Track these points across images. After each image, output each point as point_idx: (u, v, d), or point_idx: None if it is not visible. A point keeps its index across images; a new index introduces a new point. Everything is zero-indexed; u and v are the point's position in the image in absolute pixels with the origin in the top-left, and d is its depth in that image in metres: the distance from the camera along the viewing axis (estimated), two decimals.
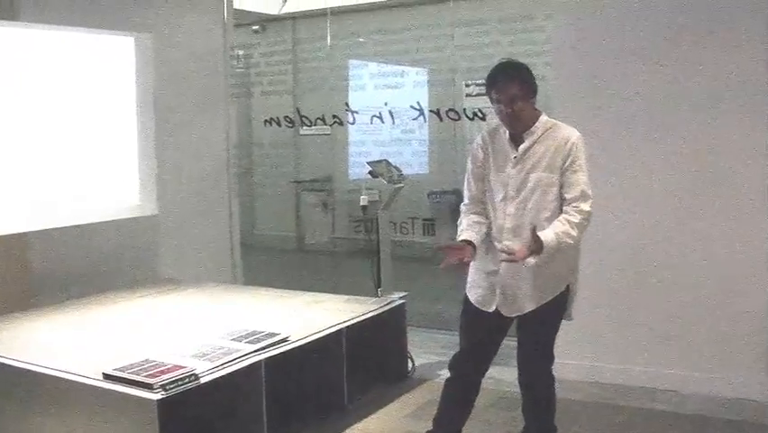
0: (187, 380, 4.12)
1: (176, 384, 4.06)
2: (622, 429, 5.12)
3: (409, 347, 6.12)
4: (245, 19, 8.72)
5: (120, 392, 4.10)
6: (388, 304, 5.91)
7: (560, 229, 3.86)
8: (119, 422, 4.13)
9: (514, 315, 4.10)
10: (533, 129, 3.99)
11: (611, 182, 5.66)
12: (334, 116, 8.08)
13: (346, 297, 6.19)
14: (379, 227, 6.33)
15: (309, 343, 5.01)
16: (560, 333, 5.77)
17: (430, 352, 6.48)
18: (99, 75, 6.60)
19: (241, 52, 8.76)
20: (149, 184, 6.94)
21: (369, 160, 6.67)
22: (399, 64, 8.23)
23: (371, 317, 5.69)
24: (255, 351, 4.62)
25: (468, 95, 7.83)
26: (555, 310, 4.12)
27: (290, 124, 8.46)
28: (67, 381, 4.35)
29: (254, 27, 9.43)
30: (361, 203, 6.71)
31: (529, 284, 4.02)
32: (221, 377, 4.31)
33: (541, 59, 6.83)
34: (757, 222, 5.39)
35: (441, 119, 7.68)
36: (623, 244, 5.71)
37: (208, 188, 7.79)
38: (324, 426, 5.15)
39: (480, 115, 7.36)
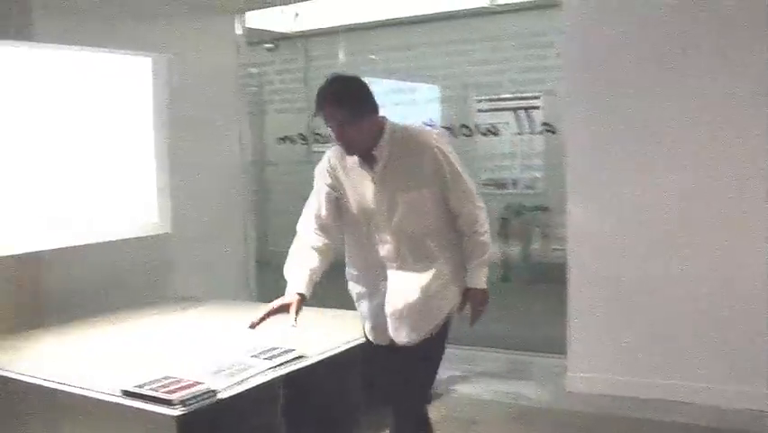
0: (205, 396, 4.15)
1: (195, 400, 4.09)
2: None
3: None
4: (258, 38, 8.76)
5: (139, 409, 4.13)
6: None
7: (480, 259, 3.67)
8: None
9: (401, 342, 3.68)
10: (380, 144, 3.54)
11: (624, 194, 5.69)
12: None
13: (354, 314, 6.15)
14: None
15: (326, 359, 5.03)
16: (577, 345, 5.81)
17: (444, 367, 6.46)
18: (116, 94, 6.67)
19: (254, 71, 8.79)
20: (164, 202, 6.99)
21: None
22: (412, 80, 8.26)
23: None
24: (272, 367, 4.65)
25: (480, 110, 7.85)
26: (439, 343, 3.76)
27: (304, 142, 8.49)
28: (86, 397, 4.37)
29: (267, 45, 9.49)
30: None
31: (413, 308, 3.63)
32: (239, 393, 4.33)
33: (552, 75, 6.87)
34: None
35: (454, 135, 7.70)
36: (638, 256, 5.72)
37: (223, 206, 7.85)
38: None
39: (492, 130, 7.39)
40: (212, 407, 4.15)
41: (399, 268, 3.64)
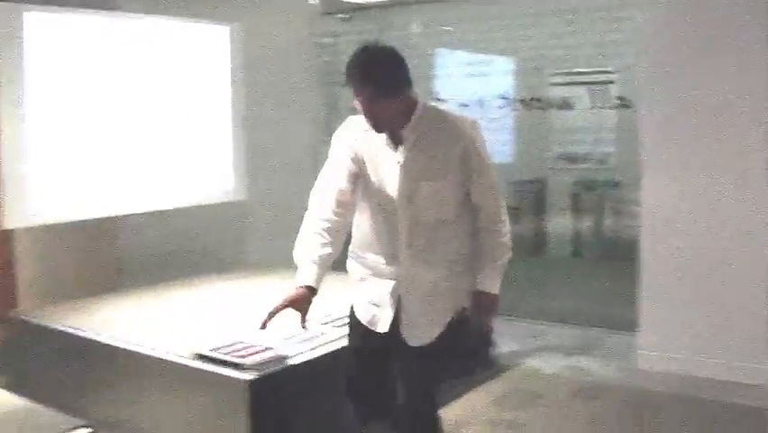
0: (277, 361, 4.23)
1: (266, 365, 4.17)
2: (703, 422, 5.05)
3: (493, 335, 6.11)
4: (333, 8, 8.78)
5: (211, 372, 4.22)
6: None
7: (497, 262, 3.39)
8: (211, 401, 4.25)
9: (414, 344, 3.39)
10: (410, 124, 3.26)
11: (700, 171, 5.62)
12: None
13: None
14: None
15: None
16: (648, 323, 5.76)
17: (513, 341, 6.49)
18: (195, 63, 6.77)
19: (328, 41, 8.82)
20: (240, 170, 7.08)
21: None
22: (486, 53, 8.23)
23: None
24: (343, 336, 4.69)
25: (553, 84, 7.80)
26: (442, 342, 3.40)
27: None
28: (160, 360, 4.49)
29: (342, 16, 9.50)
30: None
31: (425, 311, 3.38)
32: (309, 360, 4.40)
33: (630, 49, 6.79)
34: None
35: (527, 108, 7.66)
36: (712, 234, 5.65)
37: (297, 176, 7.90)
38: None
39: (566, 104, 7.34)
40: (283, 372, 4.22)
41: (410, 257, 3.35)
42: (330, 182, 3.47)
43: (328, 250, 3.40)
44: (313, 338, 4.58)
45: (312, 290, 3.35)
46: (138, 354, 4.62)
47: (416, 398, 3.46)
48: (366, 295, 3.52)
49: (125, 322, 5.28)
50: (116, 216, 6.43)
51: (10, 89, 5.70)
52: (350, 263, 3.63)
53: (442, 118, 3.31)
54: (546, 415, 5.12)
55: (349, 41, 8.97)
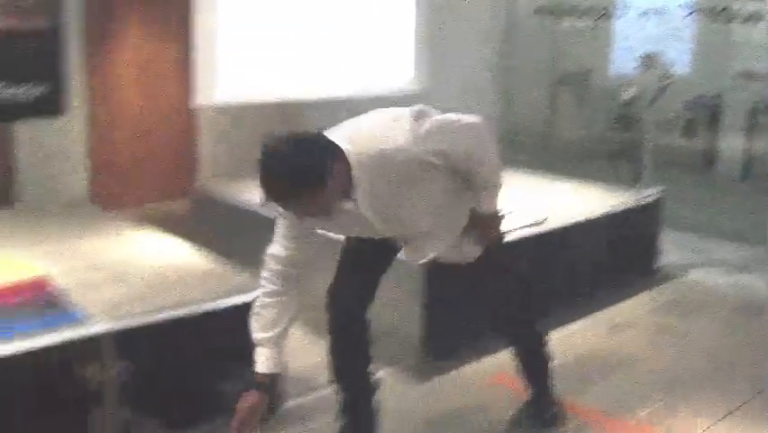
0: None
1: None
2: None
3: (659, 245, 6.10)
4: None
5: None
6: (645, 198, 5.90)
7: (489, 188, 3.23)
8: (387, 284, 4.40)
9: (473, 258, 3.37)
10: (354, 182, 2.84)
11: None
12: (603, 9, 8.00)
13: (603, 187, 6.17)
14: (643, 123, 6.29)
15: (564, 228, 5.16)
16: None
17: (678, 252, 6.45)
18: None
19: None
20: (421, 65, 7.21)
21: (638, 54, 6.58)
22: None
23: (628, 208, 5.73)
24: (510, 230, 4.79)
25: None
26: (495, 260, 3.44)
27: (551, 15, 8.42)
28: (332, 240, 4.67)
29: None
30: (624, 97, 6.65)
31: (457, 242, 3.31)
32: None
33: None
34: None
35: (712, 20, 7.45)
36: None
37: (473, 74, 7.97)
38: (569, 312, 5.13)
39: (754, 17, 7.10)
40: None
41: (413, 248, 3.29)
42: (274, 249, 3.10)
43: (279, 329, 3.07)
44: None
45: (273, 378, 3.08)
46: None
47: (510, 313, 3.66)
48: None
49: None
50: (296, 101, 6.64)
51: None
52: None
53: (378, 149, 2.84)
54: (705, 327, 5.13)
55: None
